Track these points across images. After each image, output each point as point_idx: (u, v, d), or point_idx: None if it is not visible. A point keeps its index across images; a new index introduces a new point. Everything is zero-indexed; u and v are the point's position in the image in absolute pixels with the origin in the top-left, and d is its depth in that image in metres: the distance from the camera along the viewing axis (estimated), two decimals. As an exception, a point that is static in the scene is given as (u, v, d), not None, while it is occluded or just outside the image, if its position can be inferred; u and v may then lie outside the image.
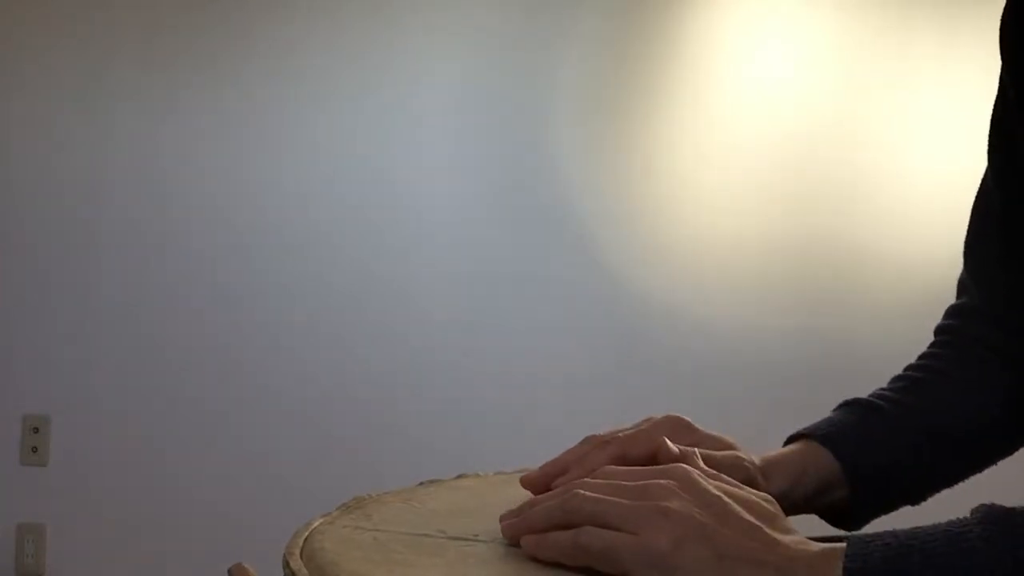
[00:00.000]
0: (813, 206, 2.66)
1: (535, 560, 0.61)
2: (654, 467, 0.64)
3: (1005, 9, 0.79)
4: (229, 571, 0.65)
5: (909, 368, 0.91)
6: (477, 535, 0.65)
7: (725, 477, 0.65)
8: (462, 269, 2.63)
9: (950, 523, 0.56)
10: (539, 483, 0.73)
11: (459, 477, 0.82)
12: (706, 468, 0.66)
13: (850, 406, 0.87)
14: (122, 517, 2.58)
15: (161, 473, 2.59)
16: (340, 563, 0.60)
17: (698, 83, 2.65)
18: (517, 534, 0.64)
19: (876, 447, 0.83)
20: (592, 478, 0.64)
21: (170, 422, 2.60)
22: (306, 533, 0.66)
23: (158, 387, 2.60)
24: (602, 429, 0.78)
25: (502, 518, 0.66)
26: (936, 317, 0.97)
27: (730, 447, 0.78)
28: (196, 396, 2.60)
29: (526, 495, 0.73)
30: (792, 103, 2.66)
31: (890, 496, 0.86)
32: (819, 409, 0.90)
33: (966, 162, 2.55)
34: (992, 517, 0.55)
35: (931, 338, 0.95)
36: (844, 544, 0.57)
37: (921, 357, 0.92)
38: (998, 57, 0.82)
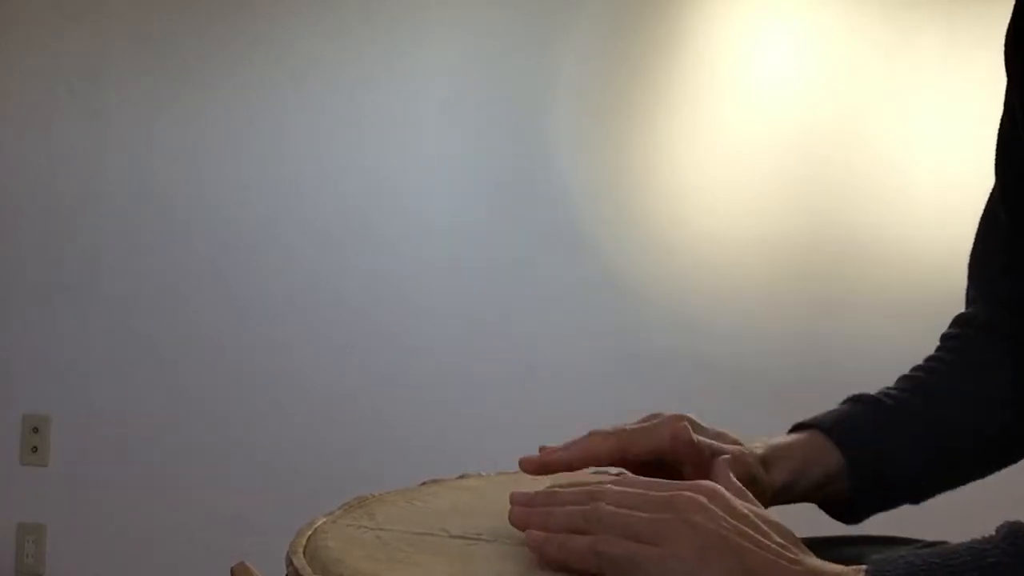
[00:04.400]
0: (815, 206, 2.66)
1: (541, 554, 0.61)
2: (683, 482, 0.63)
3: (1009, 27, 0.79)
4: (232, 570, 0.65)
5: (916, 369, 0.91)
6: (480, 534, 0.65)
7: (751, 497, 0.64)
8: (462, 269, 2.63)
9: (974, 540, 0.56)
10: (537, 465, 0.73)
11: (461, 477, 0.82)
12: (736, 483, 0.66)
13: (857, 401, 0.87)
14: (122, 517, 2.57)
15: (161, 473, 2.59)
16: (343, 561, 0.60)
17: (699, 82, 2.65)
18: (528, 525, 0.62)
19: (881, 443, 0.84)
20: (617, 485, 0.63)
21: (170, 422, 2.60)
22: (309, 532, 0.66)
23: (158, 387, 2.60)
24: (604, 427, 0.78)
25: (513, 498, 0.65)
26: (939, 319, 0.97)
27: (734, 443, 0.77)
28: (196, 396, 2.60)
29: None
30: (794, 103, 2.66)
31: (891, 493, 0.86)
32: (820, 410, 0.90)
33: (971, 163, 2.55)
34: (1017, 533, 0.55)
35: (934, 340, 0.95)
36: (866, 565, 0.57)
37: (928, 359, 0.92)
38: (1001, 56, 0.82)
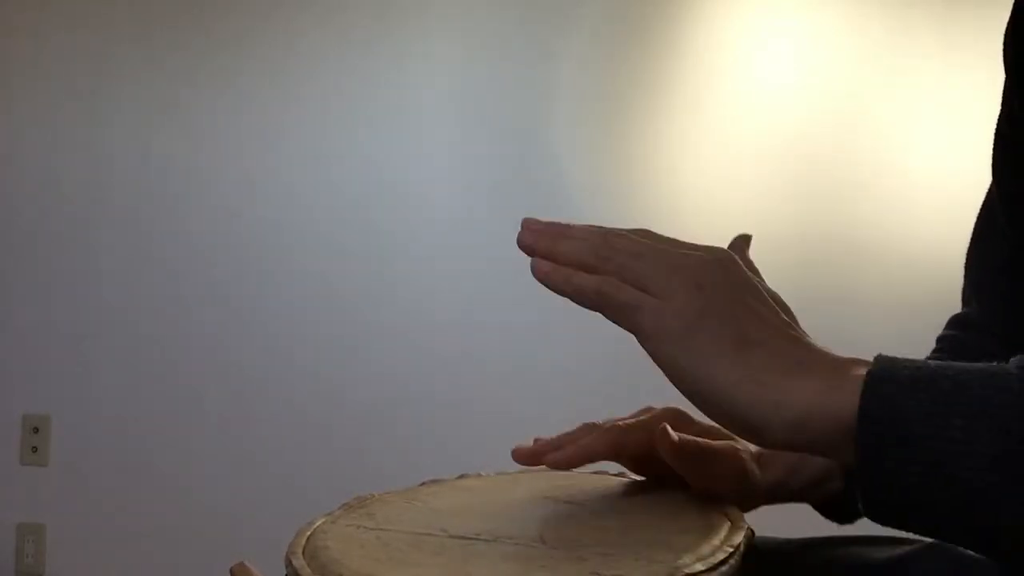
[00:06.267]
0: (815, 206, 2.66)
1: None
2: (701, 244, 0.61)
3: (1008, 24, 0.79)
4: (231, 570, 0.65)
5: None
6: (479, 534, 0.65)
7: (764, 282, 0.63)
8: (462, 268, 2.63)
9: (987, 364, 0.53)
10: (529, 456, 0.72)
11: (461, 477, 0.81)
12: (749, 260, 0.66)
13: None
14: (122, 517, 2.57)
15: (161, 473, 2.59)
16: (343, 562, 0.60)
17: (699, 83, 2.65)
18: (535, 251, 0.60)
19: None
20: (634, 235, 0.60)
21: (170, 422, 2.60)
22: (308, 532, 0.66)
23: (158, 387, 2.60)
24: (597, 420, 0.77)
25: (525, 222, 0.61)
26: (936, 317, 0.97)
27: (728, 438, 0.76)
28: (196, 396, 2.60)
29: (529, 496, 0.73)
30: (794, 103, 2.66)
31: None
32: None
33: (970, 162, 2.55)
34: None
35: (933, 339, 0.95)
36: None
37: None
38: (999, 57, 0.82)
